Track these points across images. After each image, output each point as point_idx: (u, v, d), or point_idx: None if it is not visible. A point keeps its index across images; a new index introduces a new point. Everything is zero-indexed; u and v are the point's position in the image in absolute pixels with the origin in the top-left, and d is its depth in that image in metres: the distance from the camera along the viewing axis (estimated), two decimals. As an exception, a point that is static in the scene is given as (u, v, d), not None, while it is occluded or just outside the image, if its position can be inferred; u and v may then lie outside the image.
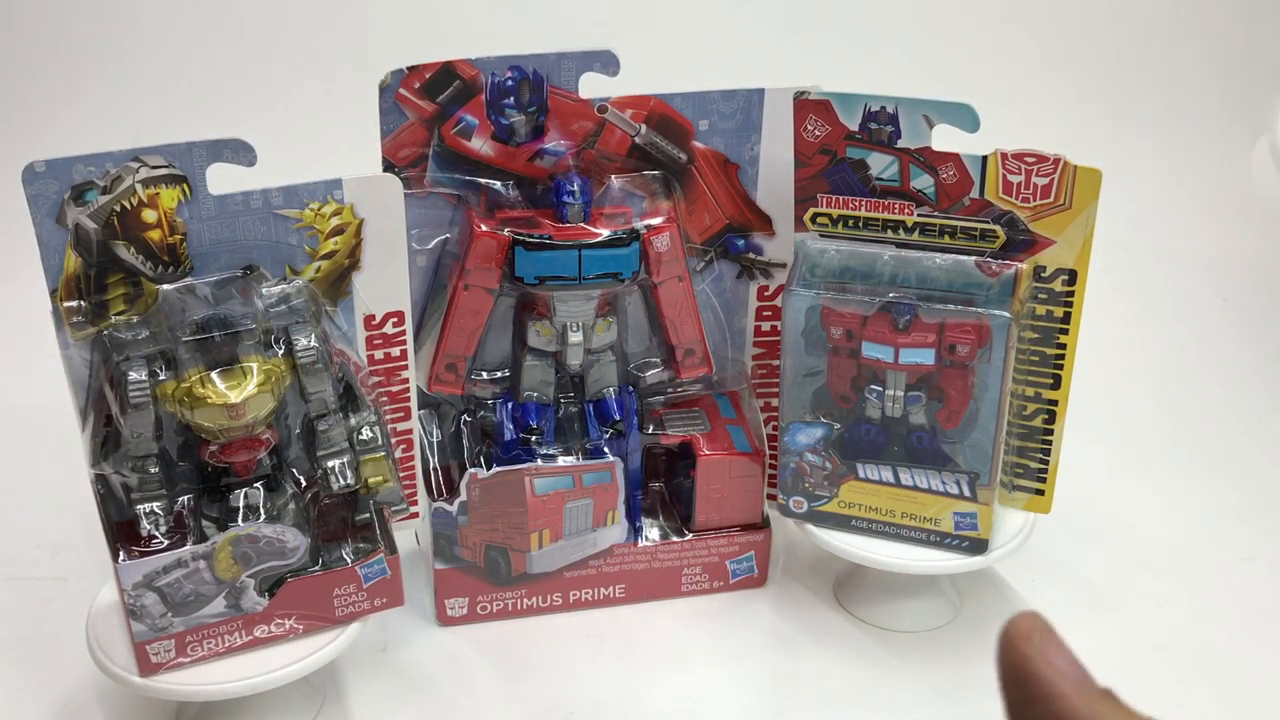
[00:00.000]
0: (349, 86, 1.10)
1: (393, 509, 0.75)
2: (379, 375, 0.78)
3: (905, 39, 1.40)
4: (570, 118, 0.79)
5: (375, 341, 0.77)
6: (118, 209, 0.66)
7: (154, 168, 0.66)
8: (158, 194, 0.67)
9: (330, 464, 0.72)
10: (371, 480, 0.72)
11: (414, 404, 0.80)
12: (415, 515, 0.82)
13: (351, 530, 0.74)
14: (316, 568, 0.72)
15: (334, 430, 0.71)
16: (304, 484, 0.73)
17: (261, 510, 0.70)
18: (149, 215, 0.67)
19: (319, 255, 0.72)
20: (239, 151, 0.68)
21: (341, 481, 0.72)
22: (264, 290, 0.70)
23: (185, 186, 0.68)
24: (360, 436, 0.72)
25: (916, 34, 1.40)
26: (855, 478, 0.81)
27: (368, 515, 0.74)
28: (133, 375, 0.66)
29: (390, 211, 0.73)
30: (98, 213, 0.66)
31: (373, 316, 0.76)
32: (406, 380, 0.79)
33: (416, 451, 0.82)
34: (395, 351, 0.78)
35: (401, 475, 0.76)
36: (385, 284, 0.75)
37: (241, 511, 0.70)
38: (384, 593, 0.73)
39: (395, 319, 0.76)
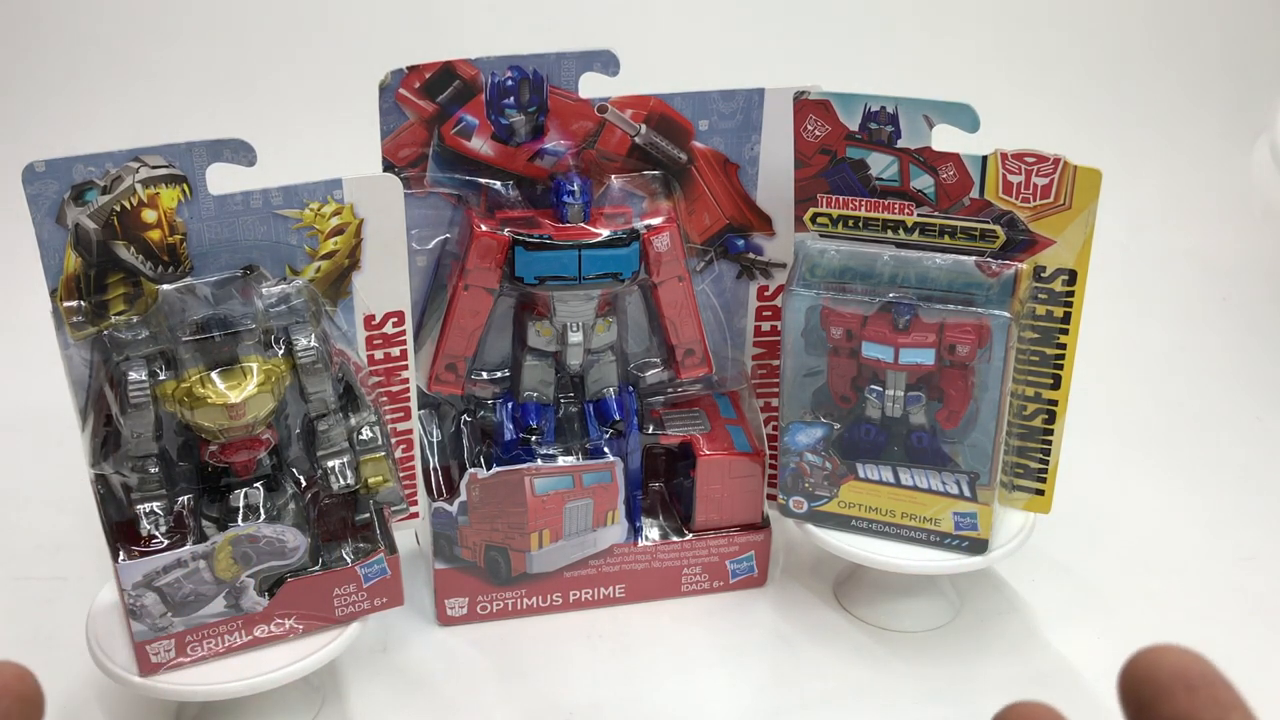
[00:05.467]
0: (349, 86, 1.10)
1: (393, 509, 0.75)
2: (379, 375, 0.78)
3: (905, 39, 1.40)
4: (570, 118, 0.79)
5: (375, 341, 0.77)
6: (118, 209, 0.66)
7: (154, 168, 0.66)
8: (158, 194, 0.67)
9: (330, 464, 0.72)
10: (371, 480, 0.72)
11: (414, 404, 0.80)
12: (415, 515, 0.82)
13: (351, 530, 0.74)
14: (316, 568, 0.72)
15: (334, 430, 0.71)
16: (304, 484, 0.73)
17: (261, 510, 0.70)
18: (149, 215, 0.67)
19: (319, 255, 0.72)
20: (239, 151, 0.68)
21: (341, 481, 0.72)
22: (264, 290, 0.70)
23: (185, 186, 0.68)
24: (360, 436, 0.72)
25: (916, 34, 1.40)
26: (855, 478, 0.81)
27: (368, 515, 0.74)
28: (133, 375, 0.66)
29: (390, 211, 0.73)
30: (98, 213, 0.66)
31: (373, 316, 0.76)
32: (406, 380, 0.79)
33: (416, 451, 0.82)
34: (395, 351, 0.78)
35: (401, 475, 0.76)
36: (385, 284, 0.75)
37: (241, 511, 0.70)
38: (384, 593, 0.73)
39: (395, 319, 0.76)
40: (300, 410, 0.72)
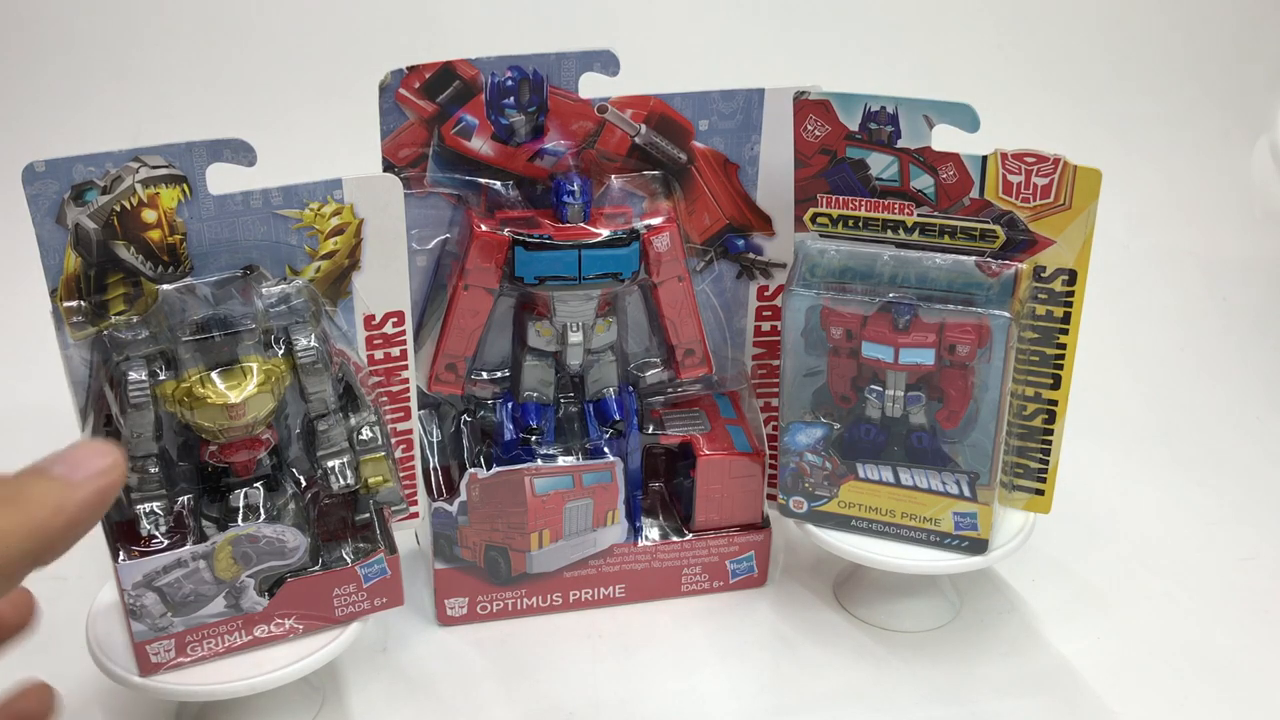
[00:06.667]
0: (349, 86, 1.10)
1: (393, 509, 0.75)
2: (379, 375, 0.78)
3: (905, 39, 1.40)
4: (570, 118, 0.79)
5: (375, 341, 0.77)
6: (118, 209, 0.66)
7: (154, 168, 0.66)
8: (158, 194, 0.67)
9: (330, 464, 0.72)
10: (371, 480, 0.72)
11: (414, 404, 0.80)
12: (415, 515, 0.82)
13: (351, 530, 0.74)
14: (316, 568, 0.72)
15: (334, 430, 0.71)
16: (304, 484, 0.73)
17: (261, 510, 0.70)
18: (149, 215, 0.67)
19: (319, 255, 0.72)
20: (239, 151, 0.68)
21: (341, 481, 0.72)
22: (264, 290, 0.70)
23: (185, 186, 0.68)
24: (360, 436, 0.72)
25: (916, 34, 1.40)
26: (855, 478, 0.81)
27: (368, 515, 0.74)
28: (133, 375, 0.66)
29: (390, 211, 0.73)
30: (98, 213, 0.66)
31: (373, 316, 0.76)
32: (406, 380, 0.79)
33: (416, 451, 0.82)
34: (395, 351, 0.78)
35: (401, 475, 0.76)
36: (385, 284, 0.75)
37: (241, 511, 0.70)
38: (384, 593, 0.73)
39: (395, 319, 0.76)
40: (300, 410, 0.72)
